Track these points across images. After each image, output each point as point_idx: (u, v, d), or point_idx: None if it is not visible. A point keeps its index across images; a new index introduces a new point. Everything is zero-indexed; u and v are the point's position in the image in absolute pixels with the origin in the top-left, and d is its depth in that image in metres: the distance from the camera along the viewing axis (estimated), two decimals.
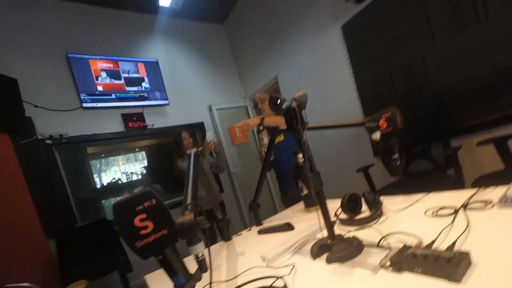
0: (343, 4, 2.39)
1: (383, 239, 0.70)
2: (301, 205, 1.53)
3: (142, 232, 0.39)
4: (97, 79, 3.00)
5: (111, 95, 3.08)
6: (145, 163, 3.71)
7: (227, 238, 1.26)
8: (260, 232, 1.21)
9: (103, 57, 3.09)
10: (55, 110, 2.74)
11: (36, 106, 2.62)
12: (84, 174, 3.09)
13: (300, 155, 1.31)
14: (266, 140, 1.98)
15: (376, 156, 2.54)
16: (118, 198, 3.12)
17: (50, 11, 2.89)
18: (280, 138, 1.93)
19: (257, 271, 0.78)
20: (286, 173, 1.98)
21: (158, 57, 3.54)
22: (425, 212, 0.81)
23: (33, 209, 2.25)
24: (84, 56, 2.95)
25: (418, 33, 2.01)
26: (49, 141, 2.67)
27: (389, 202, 1.02)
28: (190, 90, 3.82)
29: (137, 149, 3.68)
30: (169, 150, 3.39)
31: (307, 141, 0.76)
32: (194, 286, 0.46)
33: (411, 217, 0.83)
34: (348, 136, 2.78)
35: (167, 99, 3.49)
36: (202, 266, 0.49)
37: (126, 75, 3.22)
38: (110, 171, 3.43)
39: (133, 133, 3.24)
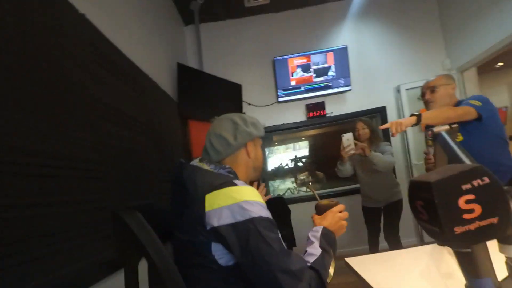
0: None
1: None
2: None
3: (466, 216, 0.33)
4: (292, 75, 3.34)
5: (300, 88, 3.39)
6: (307, 151, 4.06)
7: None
8: None
9: (299, 54, 3.38)
10: (259, 106, 3.39)
11: (249, 104, 3.36)
12: (264, 159, 3.94)
13: None
14: None
15: None
16: (279, 181, 3.72)
17: (262, 23, 3.45)
18: (459, 138, 1.46)
19: None
20: None
21: (348, 42, 3.39)
22: None
23: None
24: (284, 57, 3.37)
25: None
26: None
27: None
28: (376, 72, 3.49)
29: (303, 138, 4.04)
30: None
31: None
32: None
33: None
34: None
35: (349, 85, 3.40)
36: None
37: (315, 67, 3.37)
38: (275, 157, 4.08)
39: (313, 121, 3.53)
